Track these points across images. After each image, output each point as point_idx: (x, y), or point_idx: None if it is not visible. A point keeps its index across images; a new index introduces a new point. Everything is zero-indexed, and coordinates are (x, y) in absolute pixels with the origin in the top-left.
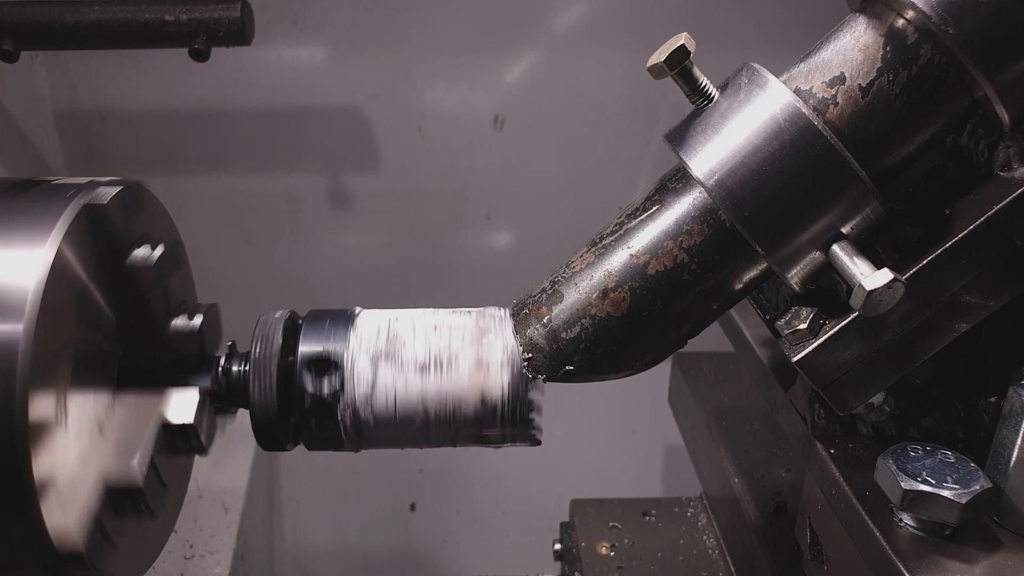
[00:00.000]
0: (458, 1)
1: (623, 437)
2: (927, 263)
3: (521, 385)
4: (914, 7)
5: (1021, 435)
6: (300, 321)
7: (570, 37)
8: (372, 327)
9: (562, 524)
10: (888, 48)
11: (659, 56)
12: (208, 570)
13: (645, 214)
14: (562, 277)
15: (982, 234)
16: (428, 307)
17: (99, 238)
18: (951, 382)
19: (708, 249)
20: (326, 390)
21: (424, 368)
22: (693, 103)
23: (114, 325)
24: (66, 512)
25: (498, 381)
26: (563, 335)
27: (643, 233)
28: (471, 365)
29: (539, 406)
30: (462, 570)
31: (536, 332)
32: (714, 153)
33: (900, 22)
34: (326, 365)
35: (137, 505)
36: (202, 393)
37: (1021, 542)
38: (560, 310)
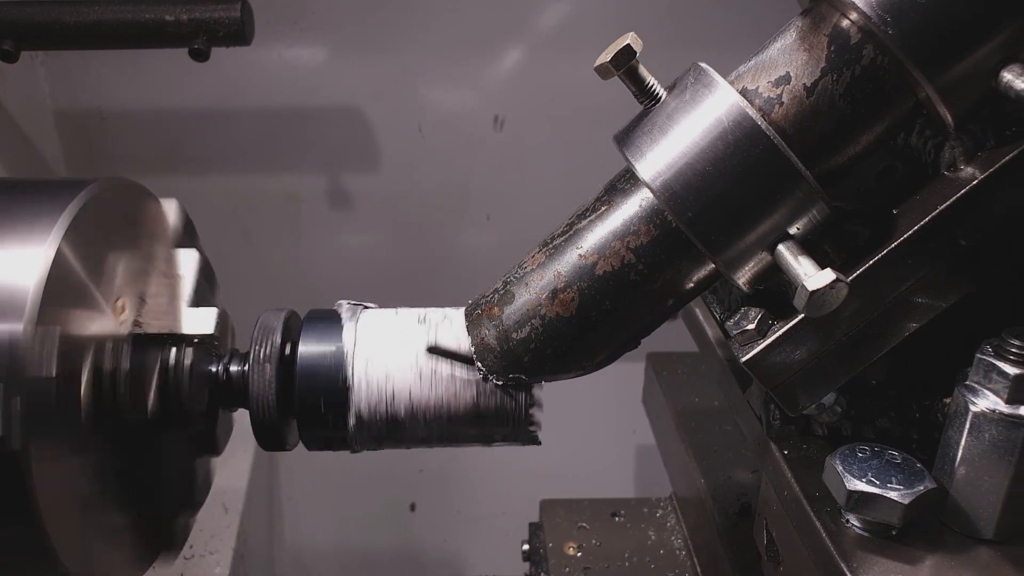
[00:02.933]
0: (458, 1)
1: (624, 437)
2: (873, 263)
3: (521, 385)
4: (856, 7)
5: (965, 435)
6: (300, 321)
7: (571, 37)
8: (372, 327)
9: (531, 524)
10: (832, 48)
11: (605, 56)
12: (208, 570)
13: (594, 215)
14: (514, 278)
15: (928, 234)
16: (428, 307)
17: (99, 237)
18: (907, 383)
19: (655, 250)
20: (326, 391)
21: (424, 367)
22: (641, 103)
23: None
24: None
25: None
26: (514, 335)
27: (592, 234)
28: (471, 365)
29: (539, 406)
30: (462, 570)
31: (488, 332)
32: (660, 154)
33: (844, 22)
34: (326, 365)
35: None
36: (220, 309)
37: (966, 543)
38: (511, 311)
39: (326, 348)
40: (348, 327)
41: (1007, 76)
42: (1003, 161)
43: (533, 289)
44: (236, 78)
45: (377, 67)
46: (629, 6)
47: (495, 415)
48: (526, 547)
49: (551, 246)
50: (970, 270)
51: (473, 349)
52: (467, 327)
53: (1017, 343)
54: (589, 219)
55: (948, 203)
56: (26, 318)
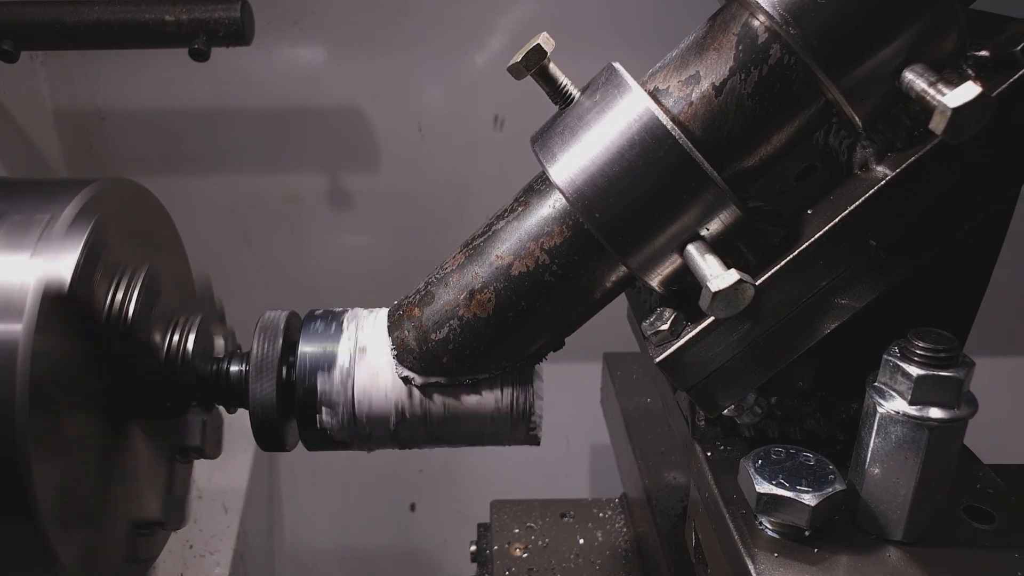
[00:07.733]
0: (458, 2)
1: None
2: (784, 264)
3: (520, 385)
4: (760, 7)
5: (873, 436)
6: (300, 322)
7: (571, 37)
8: (372, 328)
9: (479, 525)
10: (740, 47)
11: (517, 56)
12: (208, 570)
13: (511, 215)
14: (435, 278)
15: (838, 235)
16: None
17: (99, 237)
18: (834, 384)
19: (568, 251)
20: (327, 391)
21: None
22: (556, 104)
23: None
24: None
25: (497, 381)
26: (432, 336)
27: (508, 234)
28: None
29: (538, 406)
30: (462, 570)
31: (408, 334)
32: (571, 157)
33: (754, 22)
34: (325, 366)
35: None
36: (205, 417)
37: (876, 544)
38: (431, 312)
39: (326, 348)
40: (348, 328)
41: (908, 76)
42: (909, 161)
43: (452, 290)
44: (236, 78)
45: (377, 67)
46: (629, 7)
47: (493, 415)
48: (473, 548)
49: (471, 247)
50: (882, 271)
51: (394, 350)
52: (388, 328)
53: (921, 344)
54: (506, 220)
55: (856, 204)
56: (27, 310)
